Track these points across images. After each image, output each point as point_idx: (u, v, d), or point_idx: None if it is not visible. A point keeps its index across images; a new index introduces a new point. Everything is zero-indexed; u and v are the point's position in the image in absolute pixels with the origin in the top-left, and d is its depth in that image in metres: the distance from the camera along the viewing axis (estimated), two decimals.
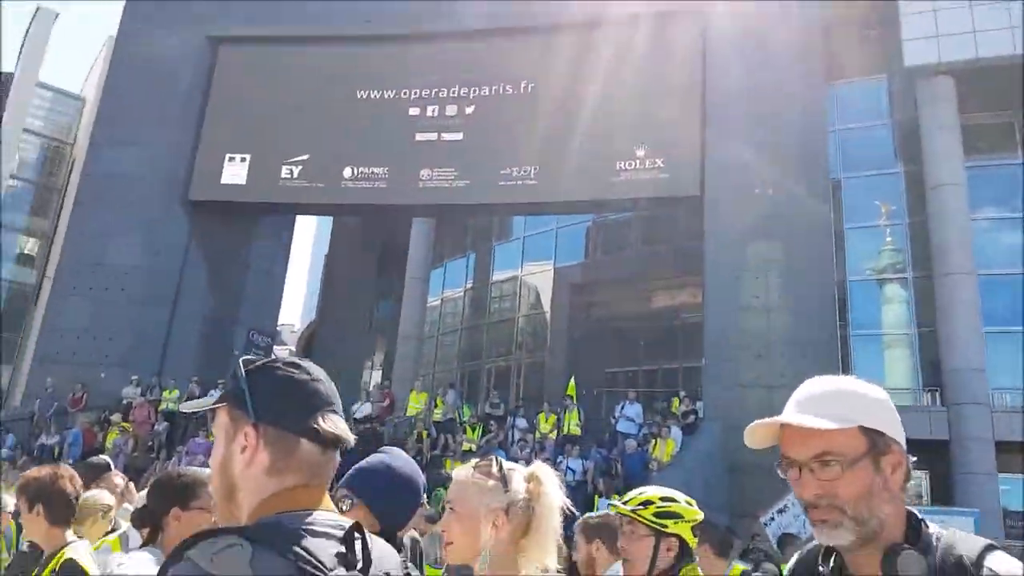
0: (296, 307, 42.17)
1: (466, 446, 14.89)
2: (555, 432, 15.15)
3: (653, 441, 13.74)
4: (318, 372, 1.29)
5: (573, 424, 15.15)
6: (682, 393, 15.54)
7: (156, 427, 16.59)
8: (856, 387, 1.34)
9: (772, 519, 9.80)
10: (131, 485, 4.74)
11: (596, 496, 12.60)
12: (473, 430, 15.55)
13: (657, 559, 2.36)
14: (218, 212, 19.61)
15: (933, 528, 1.29)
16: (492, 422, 15.94)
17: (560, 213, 20.91)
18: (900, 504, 1.30)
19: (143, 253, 18.30)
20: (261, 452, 1.19)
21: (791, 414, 1.32)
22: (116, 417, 16.34)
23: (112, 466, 4.65)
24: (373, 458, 2.31)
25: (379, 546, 1.22)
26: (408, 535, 4.03)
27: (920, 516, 1.31)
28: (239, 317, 20.58)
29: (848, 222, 18.79)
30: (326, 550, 1.10)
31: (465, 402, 18.14)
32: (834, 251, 16.38)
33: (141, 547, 2.57)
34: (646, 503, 2.41)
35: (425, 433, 15.91)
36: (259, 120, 19.16)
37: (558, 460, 13.72)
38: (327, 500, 1.24)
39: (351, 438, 1.25)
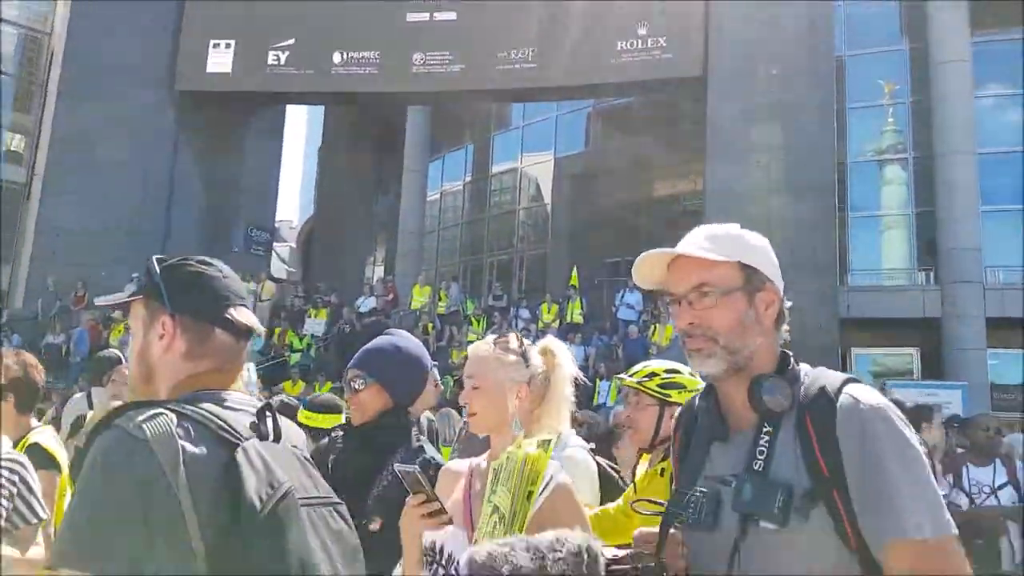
0: (293, 202, 41.80)
1: (471, 337, 15.30)
2: (558, 322, 15.51)
3: (653, 326, 14.14)
4: (228, 270, 1.44)
5: (576, 313, 15.51)
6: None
7: None
8: (740, 232, 1.47)
9: None
10: None
11: (597, 379, 13.03)
12: (477, 322, 15.89)
13: (661, 427, 2.49)
14: (207, 103, 19.09)
15: (804, 366, 1.40)
16: (496, 314, 16.30)
17: (560, 99, 20.52)
18: (772, 340, 1.39)
19: (133, 147, 17.96)
20: (178, 339, 1.34)
21: (679, 247, 1.45)
22: (118, 314, 16.31)
23: (123, 359, 4.74)
24: (380, 339, 2.47)
25: (287, 424, 1.35)
26: (424, 415, 4.30)
27: (791, 355, 1.40)
28: (237, 213, 20.50)
29: (851, 102, 18.47)
30: (240, 421, 1.23)
31: (468, 295, 18.48)
32: (835, 133, 16.24)
33: None
34: (651, 375, 2.55)
35: (430, 326, 16.17)
36: (242, 1, 18.43)
37: None
38: (239, 383, 1.38)
39: (261, 329, 1.45)
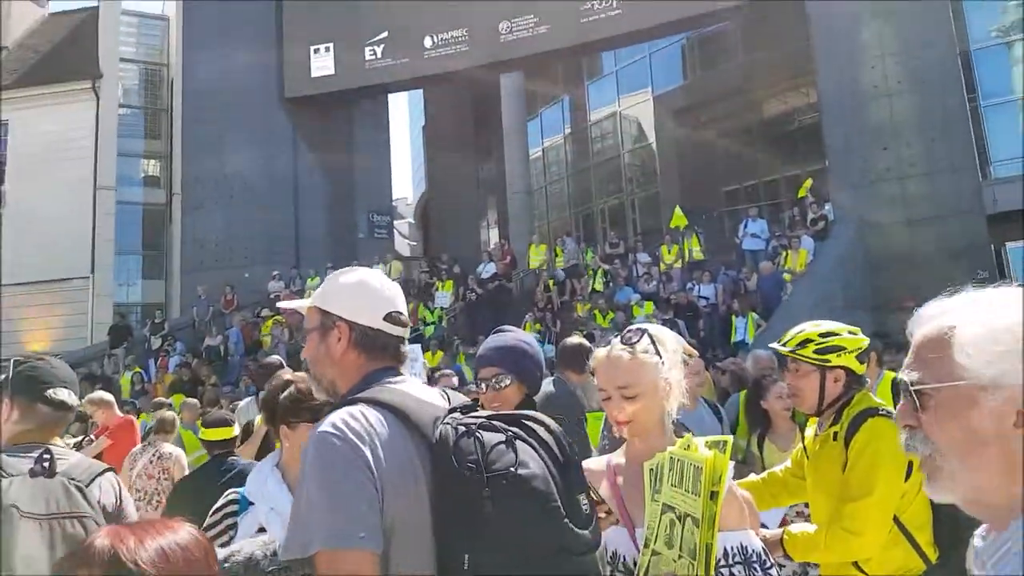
0: (406, 182, 43.22)
1: (597, 286, 15.33)
2: (679, 261, 15.25)
3: (784, 253, 13.67)
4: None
5: (696, 251, 15.22)
6: (808, 200, 15.06)
7: None
8: (338, 279, 1.65)
9: None
10: (297, 375, 5.24)
11: (732, 316, 12.75)
12: (596, 273, 15.83)
13: (825, 392, 2.45)
14: (315, 106, 20.28)
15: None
16: (615, 260, 16.22)
17: (650, 39, 19.91)
18: (349, 370, 1.55)
19: (256, 157, 19.36)
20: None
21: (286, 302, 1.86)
22: (266, 312, 17.50)
23: (284, 364, 5.05)
24: (509, 338, 2.59)
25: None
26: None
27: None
28: (356, 201, 21.58)
29: None
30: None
31: (585, 246, 18.45)
32: (952, 19, 14.97)
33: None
34: (805, 342, 2.46)
35: (552, 283, 16.24)
36: (334, 6, 19.32)
37: (688, 287, 14.00)
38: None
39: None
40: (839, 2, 14.54)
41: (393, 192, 25.86)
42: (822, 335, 2.45)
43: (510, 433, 1.34)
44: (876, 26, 14.34)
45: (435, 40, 18.67)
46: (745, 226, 14.87)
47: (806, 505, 2.77)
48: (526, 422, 1.39)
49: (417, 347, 8.09)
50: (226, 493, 2.33)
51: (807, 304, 10.64)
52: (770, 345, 2.77)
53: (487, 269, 17.44)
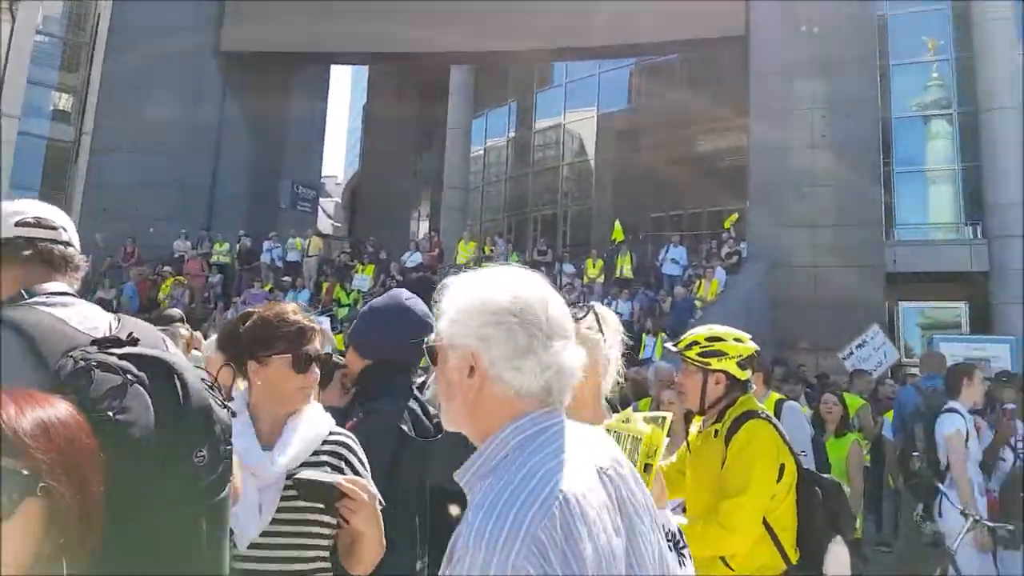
0: (338, 159, 41.98)
1: None
2: (602, 276, 15.68)
3: (698, 281, 14.30)
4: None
5: (626, 268, 15.63)
6: (725, 235, 15.83)
7: (210, 279, 17.07)
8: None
9: (851, 353, 10.02)
10: (196, 334, 5.13)
11: (644, 334, 13.27)
12: None
13: (707, 392, 2.60)
14: (253, 64, 19.10)
15: None
16: (541, 268, 16.47)
17: (601, 58, 20.41)
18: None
19: (180, 105, 18.07)
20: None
21: None
22: (168, 270, 16.70)
23: (184, 319, 4.85)
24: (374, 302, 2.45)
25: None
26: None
27: None
28: (282, 170, 20.61)
29: (894, 59, 18.24)
30: None
31: (513, 249, 18.66)
32: (879, 88, 16.07)
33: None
34: (692, 344, 2.62)
35: None
36: None
37: (606, 302, 14.43)
38: None
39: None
40: (778, 56, 15.34)
41: (324, 168, 25.32)
42: (708, 339, 2.60)
43: (130, 377, 1.22)
44: (809, 83, 15.19)
45: (388, 17, 17.70)
46: (666, 251, 15.46)
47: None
48: (164, 364, 1.27)
49: (326, 319, 8.10)
50: None
51: None
52: (666, 344, 2.99)
53: (413, 258, 17.25)
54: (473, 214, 25.91)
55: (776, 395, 4.74)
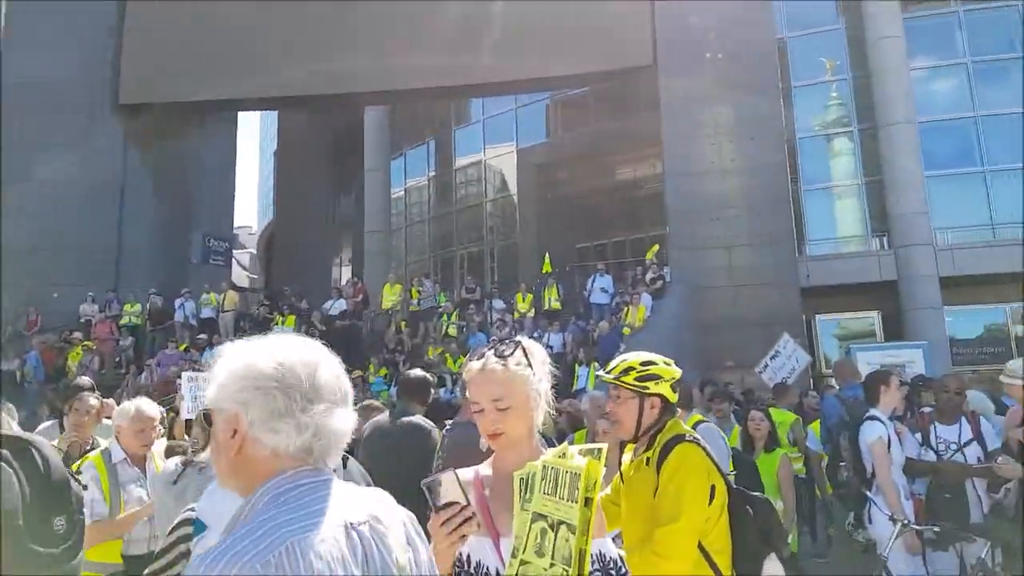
0: (251, 208, 40.97)
1: (451, 332, 15.42)
2: (533, 310, 15.70)
3: (626, 308, 14.44)
4: None
5: (553, 300, 15.67)
6: (649, 262, 16.12)
7: (121, 342, 16.41)
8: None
9: (766, 366, 10.22)
10: (108, 402, 4.99)
11: (576, 364, 13.27)
12: (450, 316, 15.89)
13: (642, 418, 2.57)
14: (154, 115, 18.44)
15: None
16: (471, 306, 16.42)
17: (515, 92, 20.72)
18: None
19: (79, 164, 17.24)
20: None
21: None
22: (77, 336, 15.99)
23: (94, 387, 4.77)
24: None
25: None
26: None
27: None
28: (192, 223, 19.90)
29: (795, 80, 19.15)
30: None
31: (441, 289, 18.51)
32: (783, 110, 16.80)
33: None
34: (627, 370, 2.58)
35: (404, 324, 16.08)
36: (182, 11, 17.82)
37: (536, 335, 14.42)
38: None
39: None
40: (686, 84, 15.86)
41: (236, 218, 24.65)
42: (642, 364, 2.58)
43: None
44: (717, 109, 15.74)
45: (296, 60, 17.38)
46: (593, 281, 15.60)
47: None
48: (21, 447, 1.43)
49: None
50: (181, 513, 1.99)
51: None
52: (596, 373, 2.95)
53: (336, 306, 16.80)
54: (397, 257, 25.65)
55: (697, 417, 4.74)
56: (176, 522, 1.96)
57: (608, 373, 2.64)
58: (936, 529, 4.27)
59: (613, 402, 2.63)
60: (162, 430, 5.42)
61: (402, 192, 26.28)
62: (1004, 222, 17.87)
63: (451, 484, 1.59)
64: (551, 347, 13.85)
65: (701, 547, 2.48)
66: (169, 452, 4.04)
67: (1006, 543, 4.32)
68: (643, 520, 2.49)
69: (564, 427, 6.72)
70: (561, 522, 1.55)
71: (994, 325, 18.62)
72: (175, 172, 19.05)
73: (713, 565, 2.48)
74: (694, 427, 4.25)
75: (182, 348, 15.71)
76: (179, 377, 6.95)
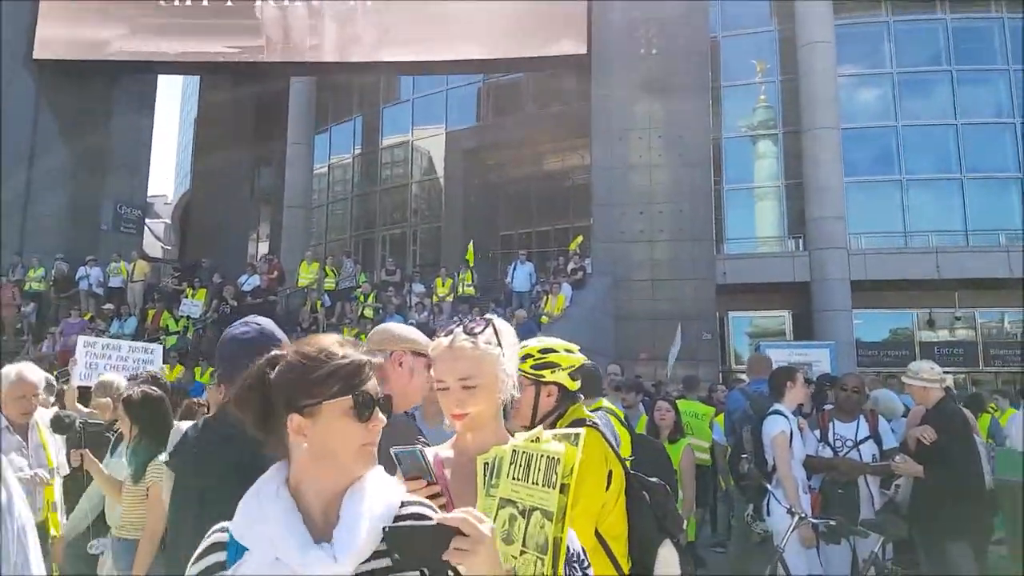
0: (168, 177, 39.36)
1: (368, 312, 15.09)
2: (452, 295, 15.56)
3: (545, 297, 14.44)
4: None
5: (466, 285, 15.59)
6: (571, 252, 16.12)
7: (23, 308, 15.85)
8: None
9: (672, 360, 10.46)
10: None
11: None
12: (367, 298, 15.63)
13: (539, 406, 2.49)
14: (70, 72, 17.81)
15: None
16: (389, 288, 16.14)
17: (445, 73, 20.36)
18: None
19: None
20: None
21: None
22: None
23: None
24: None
25: None
26: None
27: None
28: (104, 189, 19.25)
29: (725, 80, 19.44)
30: None
31: (361, 270, 18.12)
32: (711, 109, 17.04)
33: None
34: (525, 357, 2.45)
35: (319, 303, 15.74)
36: None
37: (453, 320, 14.23)
38: None
39: None
40: (619, 77, 15.90)
41: (151, 187, 23.60)
42: (541, 351, 2.50)
43: None
44: (646, 103, 15.84)
45: (221, 24, 16.94)
46: (514, 269, 15.57)
47: None
48: None
49: (158, 348, 7.22)
50: (210, 532, 1.39)
51: None
52: None
53: (249, 282, 16.34)
54: (318, 234, 25.01)
55: (600, 403, 4.64)
56: (202, 549, 1.37)
57: None
58: (831, 523, 4.32)
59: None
60: (51, 400, 5.02)
61: (326, 169, 25.58)
62: (916, 230, 18.66)
63: (415, 460, 1.54)
64: None
65: (597, 533, 2.39)
66: (57, 423, 3.86)
67: (898, 538, 4.41)
68: None
69: None
70: (535, 508, 1.45)
71: (900, 329, 19.45)
72: (89, 134, 18.29)
73: (609, 552, 2.40)
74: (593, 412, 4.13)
75: (87, 317, 15.17)
76: None
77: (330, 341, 1.36)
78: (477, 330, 1.69)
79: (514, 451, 1.52)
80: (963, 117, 18.91)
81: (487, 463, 1.56)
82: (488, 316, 1.78)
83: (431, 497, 1.51)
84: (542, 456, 1.50)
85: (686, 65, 15.83)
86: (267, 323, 2.23)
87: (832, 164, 18.18)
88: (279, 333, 2.18)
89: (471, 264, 15.70)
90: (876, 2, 19.56)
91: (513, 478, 1.50)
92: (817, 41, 18.36)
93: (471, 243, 16.38)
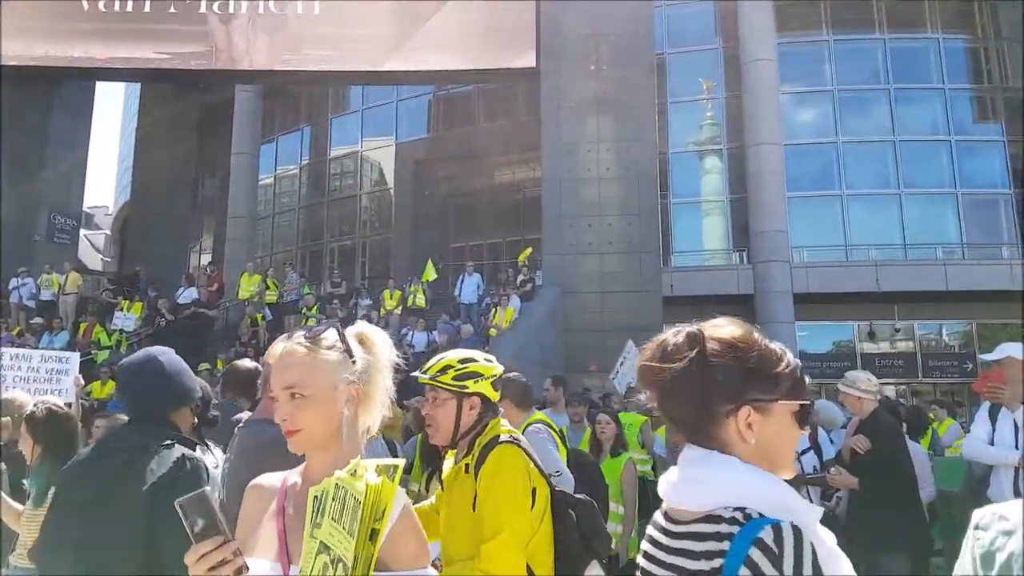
0: (110, 187, 38.25)
1: (311, 322, 14.78)
2: (400, 308, 15.36)
3: (494, 309, 14.33)
4: None
5: (418, 297, 15.41)
6: (521, 264, 16.10)
7: None
8: None
9: (617, 372, 10.35)
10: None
11: None
12: (310, 310, 15.35)
13: (461, 419, 2.39)
14: (4, 78, 17.01)
15: None
16: (335, 301, 15.83)
17: (394, 83, 20.20)
18: None
19: None
20: None
21: None
22: None
23: None
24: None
25: None
26: None
27: None
28: (38, 198, 18.67)
29: (672, 96, 19.74)
30: None
31: (307, 282, 17.77)
32: (657, 125, 17.23)
33: None
34: (445, 368, 2.40)
35: (259, 316, 15.38)
36: None
37: (402, 332, 14.06)
38: None
39: None
40: (568, 90, 15.96)
41: (91, 197, 22.86)
42: (460, 361, 2.40)
43: None
44: (596, 117, 15.93)
45: (160, 31, 16.52)
46: (462, 281, 15.47)
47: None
48: None
49: (74, 356, 6.83)
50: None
51: (506, 357, 11.07)
52: (412, 374, 2.61)
53: (186, 294, 15.95)
54: (263, 246, 24.47)
55: (540, 414, 4.50)
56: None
57: (424, 373, 2.43)
58: None
59: (430, 404, 2.43)
60: None
61: (272, 179, 25.09)
62: (857, 244, 19.13)
63: (202, 508, 1.30)
64: (413, 346, 13.52)
65: None
66: None
67: None
68: (463, 533, 2.31)
69: (410, 424, 6.36)
70: (339, 559, 1.21)
71: (842, 341, 19.89)
72: (23, 141, 17.77)
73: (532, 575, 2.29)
74: (528, 426, 4.02)
75: (15, 332, 14.59)
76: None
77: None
78: (319, 333, 1.47)
79: (336, 485, 1.26)
80: (901, 134, 19.52)
81: (316, 496, 1.30)
82: (338, 322, 1.60)
83: (225, 562, 1.29)
84: (351, 496, 1.24)
85: (633, 81, 15.97)
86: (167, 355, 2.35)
87: (775, 179, 18.58)
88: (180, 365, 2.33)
89: (428, 281, 15.53)
90: (817, 22, 20.10)
91: (332, 518, 1.26)
92: (760, 59, 18.77)
93: (430, 260, 16.22)
